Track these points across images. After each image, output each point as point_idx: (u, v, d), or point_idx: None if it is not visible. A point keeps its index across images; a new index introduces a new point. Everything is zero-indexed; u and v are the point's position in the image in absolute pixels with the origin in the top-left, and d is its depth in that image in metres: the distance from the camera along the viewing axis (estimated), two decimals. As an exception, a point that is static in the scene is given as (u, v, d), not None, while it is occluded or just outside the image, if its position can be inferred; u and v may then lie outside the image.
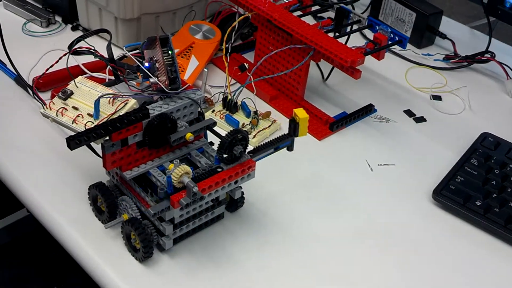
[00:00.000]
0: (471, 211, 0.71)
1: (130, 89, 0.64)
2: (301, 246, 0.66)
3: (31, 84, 0.83)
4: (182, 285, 0.60)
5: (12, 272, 1.43)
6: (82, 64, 0.86)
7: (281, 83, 0.88)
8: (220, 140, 0.58)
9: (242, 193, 0.67)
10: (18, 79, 0.84)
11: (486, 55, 1.01)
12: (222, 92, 0.83)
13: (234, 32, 0.87)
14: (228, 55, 0.83)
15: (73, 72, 0.86)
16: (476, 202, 0.72)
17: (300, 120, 0.60)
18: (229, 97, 0.81)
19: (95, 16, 0.95)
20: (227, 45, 0.84)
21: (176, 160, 0.60)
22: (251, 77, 0.81)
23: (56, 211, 0.67)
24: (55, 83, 0.84)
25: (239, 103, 0.82)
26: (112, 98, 0.63)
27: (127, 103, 0.63)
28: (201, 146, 0.64)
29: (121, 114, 0.61)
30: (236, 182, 0.60)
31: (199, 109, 0.64)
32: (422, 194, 0.75)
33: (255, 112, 0.82)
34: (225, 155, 0.58)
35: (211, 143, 0.65)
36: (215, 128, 0.65)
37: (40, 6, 1.01)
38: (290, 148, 0.64)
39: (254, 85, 0.83)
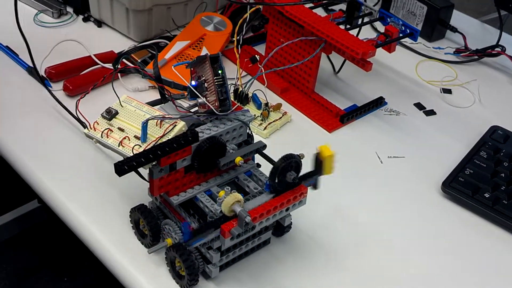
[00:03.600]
0: (480, 203, 0.71)
1: (178, 110, 0.61)
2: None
3: (43, 74, 0.84)
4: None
5: (23, 263, 1.44)
6: (94, 55, 0.87)
7: (292, 75, 0.88)
8: (271, 164, 0.56)
9: (291, 219, 0.64)
10: (31, 69, 0.85)
11: (496, 49, 1.01)
12: (233, 84, 0.84)
13: (245, 24, 0.87)
14: (239, 47, 0.84)
15: (84, 63, 0.87)
16: (485, 194, 0.72)
17: (326, 158, 0.56)
18: (240, 89, 0.82)
19: (106, 7, 0.95)
20: (238, 37, 0.84)
21: (227, 187, 0.58)
22: (262, 69, 0.81)
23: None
24: (67, 73, 0.85)
25: (250, 95, 0.83)
26: (160, 120, 0.59)
27: (175, 125, 0.59)
28: (249, 169, 0.61)
29: (169, 137, 0.57)
30: (287, 210, 0.57)
31: (248, 131, 0.61)
32: (431, 186, 0.75)
33: (266, 104, 0.82)
34: (277, 183, 0.55)
35: (258, 165, 0.62)
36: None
37: (52, -3, 1.02)
38: (315, 186, 0.59)
39: (265, 77, 0.84)
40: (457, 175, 0.74)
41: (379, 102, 0.88)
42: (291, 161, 0.55)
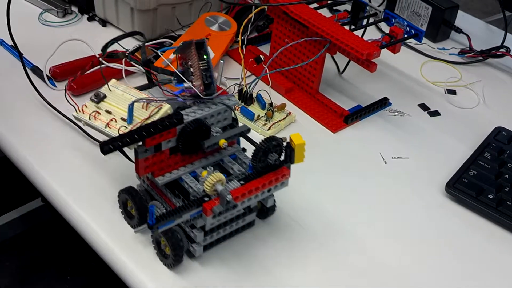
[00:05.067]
0: (484, 204, 0.71)
1: (164, 94, 0.63)
2: (315, 235, 0.67)
3: (48, 73, 0.84)
4: (213, 292, 0.60)
5: (26, 261, 1.44)
6: (99, 55, 0.87)
7: (296, 76, 0.88)
8: (254, 147, 0.57)
9: (274, 201, 0.66)
10: (35, 69, 0.85)
11: (501, 50, 1.01)
12: (237, 84, 0.84)
13: (250, 24, 0.87)
14: (244, 47, 0.84)
15: (88, 62, 0.87)
16: (489, 195, 0.72)
17: (296, 146, 0.57)
18: (245, 89, 0.82)
19: (111, 6, 0.96)
20: (243, 37, 0.84)
21: (209, 167, 0.59)
22: (267, 69, 0.81)
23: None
24: (71, 73, 0.85)
25: (254, 95, 0.83)
26: (145, 103, 0.62)
27: (161, 108, 0.62)
28: (234, 153, 0.63)
29: (155, 119, 0.59)
30: (269, 190, 0.59)
31: (233, 115, 0.63)
32: (435, 187, 0.75)
33: (270, 104, 0.82)
34: (259, 164, 0.57)
35: (244, 149, 0.64)
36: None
37: (57, -4, 1.02)
38: None
39: (270, 77, 0.84)
40: (461, 176, 0.74)
41: (383, 103, 0.88)
42: (273, 143, 0.57)
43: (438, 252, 0.67)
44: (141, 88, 0.65)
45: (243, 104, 0.82)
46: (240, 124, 0.64)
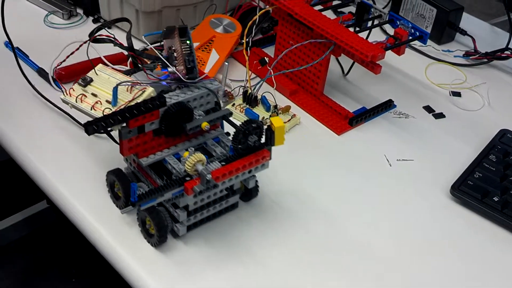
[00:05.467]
0: (489, 206, 0.71)
1: (148, 78, 0.65)
2: (317, 237, 0.67)
3: (53, 75, 0.84)
4: (197, 270, 0.61)
5: (31, 263, 1.44)
6: (104, 57, 0.87)
7: (301, 78, 0.88)
8: (235, 129, 0.59)
9: (256, 182, 0.67)
10: (41, 71, 0.86)
11: (506, 52, 1.00)
12: (242, 86, 0.84)
13: (254, 26, 0.87)
14: (248, 49, 0.84)
15: (94, 64, 0.87)
16: (494, 198, 0.72)
17: (276, 129, 0.59)
18: (249, 91, 0.82)
19: (116, 8, 0.96)
20: (247, 39, 0.84)
21: (191, 148, 0.61)
22: (271, 71, 0.81)
23: (74, 197, 0.68)
24: (76, 74, 0.85)
25: (259, 97, 0.83)
26: (130, 86, 0.64)
27: (144, 91, 0.64)
28: (217, 136, 0.65)
29: (138, 101, 0.62)
30: (250, 172, 0.60)
31: (216, 99, 0.65)
32: (440, 189, 0.75)
33: (275, 106, 0.82)
34: (239, 146, 0.59)
35: (227, 133, 0.66)
36: (231, 119, 0.65)
37: (62, -1, 1.03)
38: None
39: (274, 79, 0.84)
40: (466, 178, 0.74)
41: (388, 105, 0.88)
42: (252, 125, 0.59)
43: (443, 254, 0.67)
44: (126, 73, 0.67)
45: (247, 106, 0.82)
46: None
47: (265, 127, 0.60)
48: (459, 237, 0.69)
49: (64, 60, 0.76)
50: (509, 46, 1.01)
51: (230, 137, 0.62)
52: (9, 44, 0.91)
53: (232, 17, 0.96)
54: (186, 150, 0.61)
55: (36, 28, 0.97)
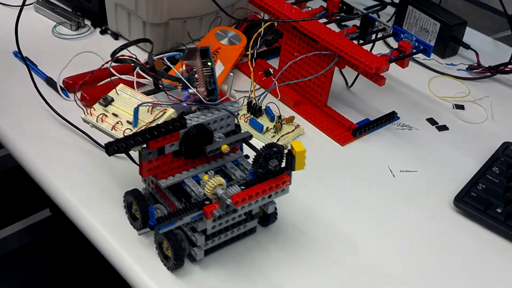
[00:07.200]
0: (492, 218, 0.72)
1: (169, 99, 0.64)
2: (327, 253, 0.67)
3: (61, 85, 0.85)
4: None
5: (33, 272, 1.45)
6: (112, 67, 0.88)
7: (305, 89, 0.89)
8: (255, 153, 0.58)
9: (275, 208, 0.66)
10: (49, 80, 0.87)
11: (509, 66, 1.01)
12: (246, 97, 0.85)
13: (259, 38, 0.88)
14: (253, 60, 0.85)
15: (101, 74, 0.88)
16: (497, 210, 0.72)
17: (297, 153, 0.58)
18: (254, 101, 0.83)
19: (124, 20, 0.97)
20: (252, 51, 0.85)
21: (211, 171, 0.60)
22: (276, 82, 0.82)
23: (93, 216, 0.67)
24: (84, 84, 0.86)
25: (263, 107, 0.83)
26: (151, 107, 0.64)
27: (165, 112, 0.63)
28: (236, 159, 0.64)
29: (159, 122, 0.61)
30: (269, 196, 0.59)
31: (236, 122, 0.64)
32: (443, 201, 0.75)
33: (279, 117, 0.83)
34: (260, 170, 0.58)
35: (247, 156, 0.65)
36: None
37: (70, 10, 1.04)
38: None
39: (279, 90, 0.84)
40: (469, 190, 0.75)
41: (391, 117, 0.88)
42: (273, 150, 0.58)
43: (446, 265, 0.67)
44: (147, 93, 0.67)
45: (252, 116, 0.83)
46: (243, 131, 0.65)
47: (285, 151, 0.59)
48: (462, 248, 0.69)
49: (86, 80, 0.77)
50: (512, 61, 1.02)
51: (250, 160, 0.62)
52: (18, 54, 0.93)
53: (237, 29, 0.97)
54: (206, 173, 0.61)
55: (45, 38, 0.98)
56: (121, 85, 0.67)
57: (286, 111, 0.87)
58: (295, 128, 0.83)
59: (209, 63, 0.62)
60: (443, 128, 0.89)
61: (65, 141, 0.78)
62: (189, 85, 0.62)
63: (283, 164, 0.60)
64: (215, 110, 0.63)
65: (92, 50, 0.90)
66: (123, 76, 0.88)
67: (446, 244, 0.70)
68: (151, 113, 0.64)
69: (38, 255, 1.48)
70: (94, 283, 1.43)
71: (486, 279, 0.66)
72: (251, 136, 0.64)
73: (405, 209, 0.74)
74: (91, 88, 0.85)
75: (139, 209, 0.63)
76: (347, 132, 0.84)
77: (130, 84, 0.82)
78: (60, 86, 0.85)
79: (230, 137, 0.63)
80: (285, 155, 0.59)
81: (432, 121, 0.90)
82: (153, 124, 0.61)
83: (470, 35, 1.10)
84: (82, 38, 1.00)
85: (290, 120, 0.83)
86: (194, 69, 0.63)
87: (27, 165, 0.75)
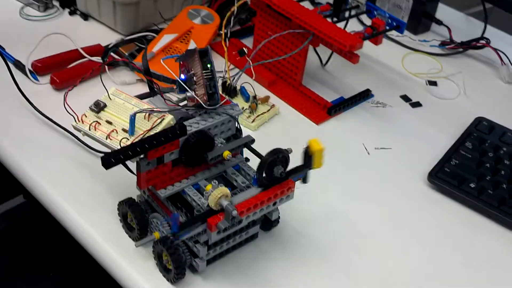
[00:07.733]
0: (466, 193, 0.73)
1: (166, 103, 0.60)
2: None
3: (30, 68, 0.83)
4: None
5: (7, 259, 1.43)
6: (81, 48, 0.87)
7: (279, 68, 0.89)
8: (259, 159, 0.56)
9: (279, 213, 0.64)
10: (17, 63, 0.85)
11: (481, 41, 1.02)
12: (221, 77, 0.84)
13: (232, 17, 0.87)
14: (227, 40, 0.84)
15: (71, 56, 0.87)
16: (471, 185, 0.73)
17: (315, 152, 0.56)
18: (228, 82, 0.82)
19: (93, 0, 0.95)
20: (225, 30, 0.84)
21: (214, 180, 0.57)
22: (250, 62, 0.81)
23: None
24: (53, 67, 0.84)
25: (238, 87, 0.83)
26: (147, 114, 0.59)
27: (163, 119, 0.58)
28: (237, 163, 0.62)
29: (157, 130, 0.57)
30: (274, 204, 0.57)
31: (237, 126, 0.62)
32: (418, 176, 0.76)
33: (254, 97, 0.82)
34: (265, 177, 0.55)
35: (247, 159, 0.63)
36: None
37: (38, -10, 1.02)
38: (304, 180, 0.60)
39: (253, 70, 0.84)
40: (443, 165, 0.75)
41: (366, 95, 0.89)
42: (279, 156, 0.55)
43: (421, 240, 0.68)
44: (142, 97, 0.62)
45: (227, 97, 0.82)
46: (244, 134, 0.62)
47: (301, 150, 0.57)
48: (436, 223, 0.70)
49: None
50: (484, 36, 1.03)
51: (250, 163, 0.60)
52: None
53: (210, 8, 0.96)
54: (206, 180, 0.59)
55: (12, 20, 0.96)
56: (113, 88, 0.62)
57: (261, 91, 0.87)
58: (271, 108, 0.82)
59: (208, 65, 0.58)
60: (416, 104, 0.90)
61: (37, 127, 0.76)
62: (187, 88, 0.58)
63: (288, 169, 0.57)
64: (215, 115, 0.59)
65: (61, 31, 0.88)
66: (93, 58, 0.87)
67: (421, 220, 0.70)
68: (148, 120, 0.58)
69: (12, 242, 1.46)
70: (69, 269, 1.42)
71: (460, 253, 0.67)
72: (253, 140, 0.61)
73: (380, 185, 0.74)
74: (61, 71, 0.83)
75: (135, 219, 0.60)
76: (322, 110, 0.84)
77: (100, 64, 0.81)
78: (29, 69, 0.83)
79: (232, 142, 0.61)
80: (303, 153, 0.57)
81: (405, 97, 0.91)
82: (151, 132, 0.57)
83: (443, 11, 1.11)
84: (50, 19, 0.98)
85: (265, 100, 0.83)
86: (192, 71, 0.59)
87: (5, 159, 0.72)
